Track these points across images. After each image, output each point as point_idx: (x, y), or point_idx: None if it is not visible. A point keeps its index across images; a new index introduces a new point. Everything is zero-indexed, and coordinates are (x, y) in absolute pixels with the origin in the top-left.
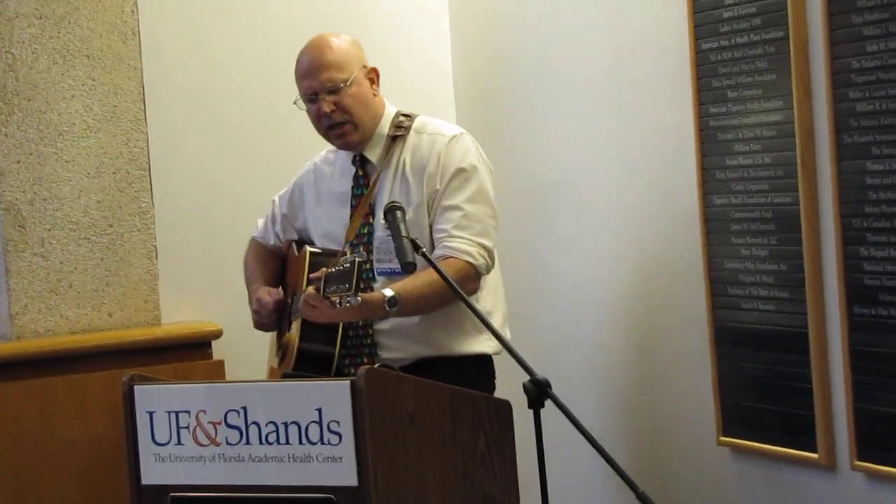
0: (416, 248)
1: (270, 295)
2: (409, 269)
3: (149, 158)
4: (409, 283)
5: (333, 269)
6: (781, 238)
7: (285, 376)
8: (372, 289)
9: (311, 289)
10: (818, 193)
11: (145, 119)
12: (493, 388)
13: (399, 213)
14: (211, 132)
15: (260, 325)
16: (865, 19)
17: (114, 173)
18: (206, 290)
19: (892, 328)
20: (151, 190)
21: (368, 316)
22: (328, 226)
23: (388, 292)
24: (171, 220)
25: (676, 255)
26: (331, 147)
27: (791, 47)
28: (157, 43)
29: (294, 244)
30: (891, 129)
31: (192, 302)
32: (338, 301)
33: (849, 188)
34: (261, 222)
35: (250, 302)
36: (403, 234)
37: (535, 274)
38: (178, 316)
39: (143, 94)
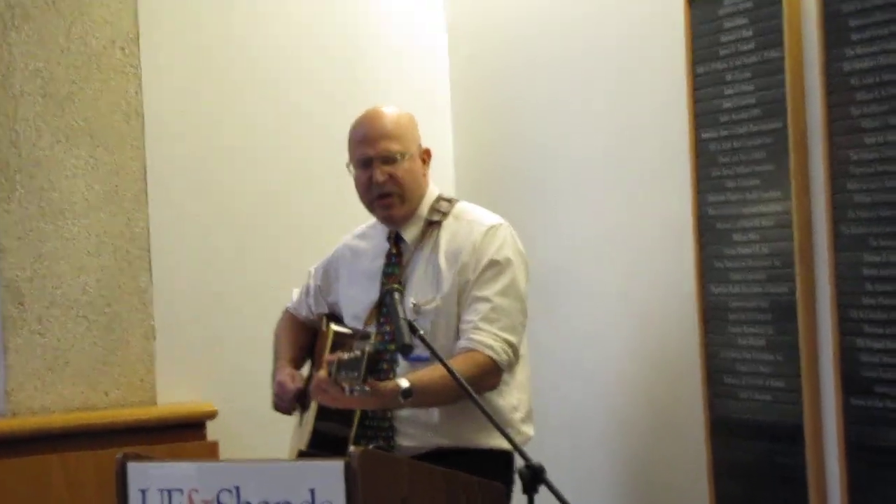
0: (414, 330)
1: (294, 381)
2: (405, 351)
3: (149, 238)
4: (426, 375)
5: (346, 356)
6: (778, 328)
7: (300, 455)
8: (394, 372)
9: (322, 373)
10: (815, 284)
11: (147, 199)
12: (511, 483)
13: (397, 295)
14: (212, 213)
15: (277, 407)
16: (864, 112)
17: (114, 252)
18: (202, 371)
19: (888, 420)
20: (151, 270)
21: (382, 406)
22: (357, 302)
23: (404, 383)
24: (169, 299)
25: (674, 342)
26: (369, 222)
27: (790, 138)
28: (161, 123)
29: (325, 317)
30: (888, 220)
31: (188, 382)
32: (347, 389)
33: (846, 279)
34: (295, 293)
35: (272, 378)
36: (401, 315)
37: (532, 359)
38: (174, 396)
39: (146, 174)
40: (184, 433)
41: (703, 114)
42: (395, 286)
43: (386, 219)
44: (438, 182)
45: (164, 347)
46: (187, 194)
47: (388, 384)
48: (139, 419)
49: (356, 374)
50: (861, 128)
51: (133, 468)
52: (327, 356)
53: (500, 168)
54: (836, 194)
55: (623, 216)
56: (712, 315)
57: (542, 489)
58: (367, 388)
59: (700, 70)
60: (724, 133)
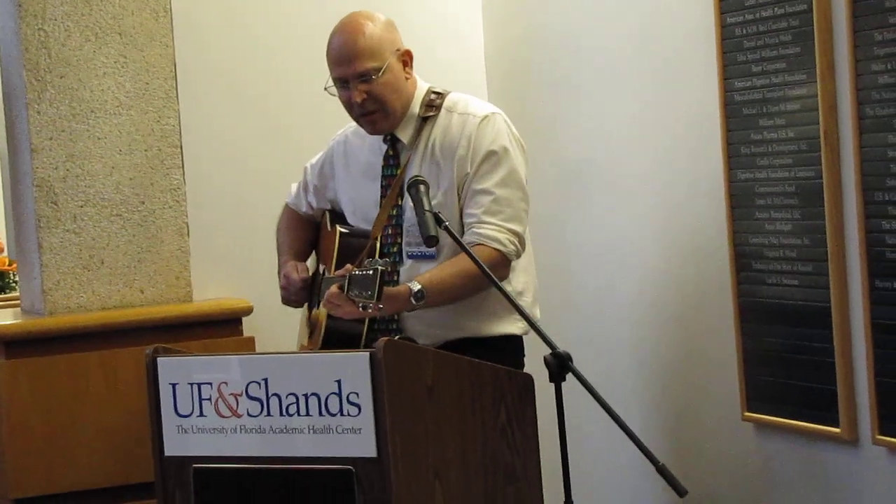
0: (439, 221)
1: (298, 272)
2: (430, 242)
3: (180, 136)
4: (436, 275)
5: (358, 272)
6: (805, 212)
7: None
8: (398, 273)
9: (334, 287)
10: (841, 167)
11: (177, 96)
12: (521, 367)
13: (422, 188)
14: (242, 109)
15: (287, 301)
16: None
17: (145, 150)
18: (237, 267)
19: None
20: (183, 167)
21: (396, 311)
22: (357, 201)
23: (415, 286)
24: (202, 197)
25: (702, 229)
26: None
27: (814, 20)
28: (189, 20)
29: (327, 213)
30: None
31: (223, 278)
32: (360, 305)
33: (871, 161)
34: (294, 187)
35: (279, 273)
36: (426, 208)
37: (563, 250)
38: (209, 292)
39: (175, 72)
40: (220, 329)
41: None
42: (420, 177)
43: (374, 132)
44: (469, 76)
45: (198, 244)
46: (217, 91)
47: (399, 289)
48: (175, 316)
49: (370, 292)
50: (885, 7)
51: (163, 363)
52: (338, 271)
53: (529, 61)
54: (861, 76)
55: (649, 104)
56: (739, 201)
57: (568, 377)
58: (380, 306)
59: None
60: (748, 17)
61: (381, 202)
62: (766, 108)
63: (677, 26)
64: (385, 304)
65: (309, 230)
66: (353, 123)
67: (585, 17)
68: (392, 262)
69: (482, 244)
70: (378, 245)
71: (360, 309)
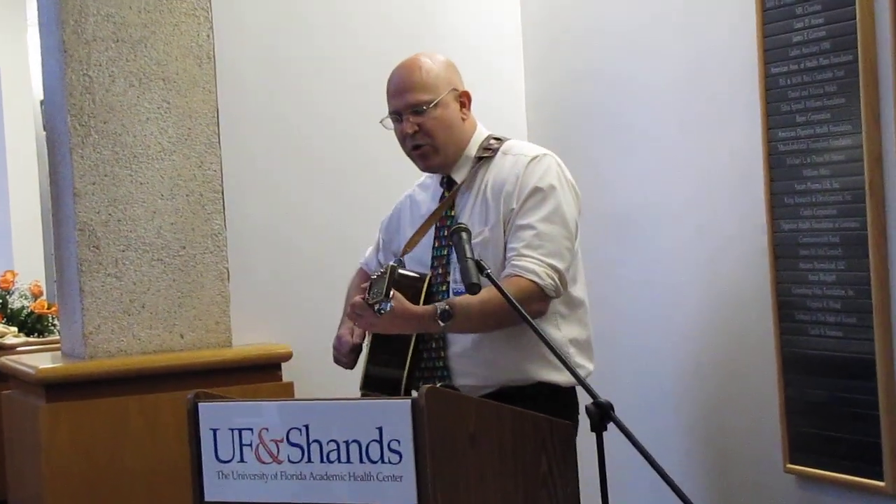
0: (481, 269)
1: (353, 336)
2: (473, 290)
3: (222, 181)
4: (465, 299)
5: (375, 275)
6: (849, 263)
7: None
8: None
9: (357, 297)
10: (886, 218)
11: (219, 142)
12: (576, 422)
13: (465, 235)
14: (283, 155)
15: (337, 361)
16: None
17: (187, 195)
18: (277, 312)
19: None
20: (224, 212)
21: (420, 328)
22: (417, 249)
23: (442, 305)
24: (243, 242)
25: (745, 279)
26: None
27: (860, 71)
28: (232, 66)
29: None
30: None
31: (263, 324)
32: (376, 307)
33: None
34: (369, 250)
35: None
36: (468, 255)
37: (604, 295)
38: (248, 338)
39: (217, 118)
40: (259, 375)
41: (773, 48)
42: (462, 225)
43: (425, 168)
44: (510, 119)
45: (238, 289)
46: (259, 137)
47: (427, 307)
48: (215, 361)
49: (379, 289)
50: None
51: (204, 408)
52: (363, 284)
53: (571, 104)
54: None
55: (693, 152)
56: (783, 251)
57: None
58: (390, 304)
59: (769, 3)
60: (793, 67)
61: (413, 234)
62: (811, 159)
63: (722, 74)
64: (410, 321)
65: None
66: (420, 177)
67: (627, 61)
68: (435, 292)
69: (518, 275)
70: (426, 285)
71: (380, 314)
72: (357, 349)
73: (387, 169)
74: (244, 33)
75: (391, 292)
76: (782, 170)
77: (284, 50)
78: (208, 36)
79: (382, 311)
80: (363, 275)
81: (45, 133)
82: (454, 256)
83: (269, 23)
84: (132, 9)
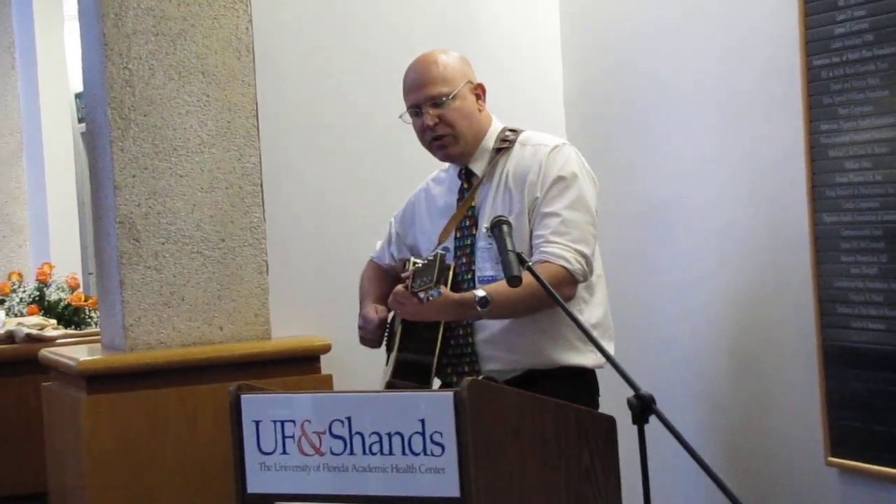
0: (522, 262)
1: (377, 312)
2: (514, 282)
3: (261, 174)
4: (502, 285)
5: (419, 263)
6: (891, 256)
7: (388, 386)
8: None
9: (399, 286)
10: None
11: (258, 135)
12: (596, 404)
13: (506, 228)
14: (323, 148)
15: (364, 340)
16: None
17: (227, 188)
18: (315, 305)
19: None
20: (263, 205)
21: (459, 315)
22: (434, 238)
23: (480, 292)
24: (282, 235)
25: (786, 272)
26: (443, 166)
27: None
28: (271, 59)
29: (406, 262)
30: None
31: (301, 316)
32: (423, 296)
33: None
34: (379, 244)
35: (359, 316)
36: (510, 248)
37: (643, 289)
38: (287, 330)
39: (257, 110)
40: (298, 367)
41: (815, 40)
42: (503, 218)
43: (445, 157)
44: (549, 114)
45: (277, 282)
46: (298, 130)
47: (465, 294)
48: (254, 353)
49: (429, 278)
50: None
51: (247, 400)
52: (403, 273)
53: (609, 98)
54: None
55: (734, 146)
56: (824, 244)
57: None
58: (440, 291)
59: None
60: (835, 59)
61: (445, 226)
62: (853, 151)
63: (763, 67)
64: (451, 309)
65: (390, 282)
66: (435, 172)
67: (665, 56)
68: (461, 281)
69: (548, 261)
70: (451, 273)
71: (424, 301)
72: (383, 324)
73: (425, 164)
74: (283, 26)
75: (441, 279)
76: (824, 162)
77: (323, 43)
78: (247, 29)
79: (431, 298)
80: (375, 267)
81: (81, 126)
82: (477, 245)
83: (308, 16)
84: (171, 2)
